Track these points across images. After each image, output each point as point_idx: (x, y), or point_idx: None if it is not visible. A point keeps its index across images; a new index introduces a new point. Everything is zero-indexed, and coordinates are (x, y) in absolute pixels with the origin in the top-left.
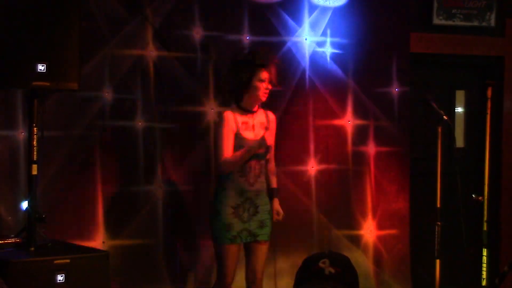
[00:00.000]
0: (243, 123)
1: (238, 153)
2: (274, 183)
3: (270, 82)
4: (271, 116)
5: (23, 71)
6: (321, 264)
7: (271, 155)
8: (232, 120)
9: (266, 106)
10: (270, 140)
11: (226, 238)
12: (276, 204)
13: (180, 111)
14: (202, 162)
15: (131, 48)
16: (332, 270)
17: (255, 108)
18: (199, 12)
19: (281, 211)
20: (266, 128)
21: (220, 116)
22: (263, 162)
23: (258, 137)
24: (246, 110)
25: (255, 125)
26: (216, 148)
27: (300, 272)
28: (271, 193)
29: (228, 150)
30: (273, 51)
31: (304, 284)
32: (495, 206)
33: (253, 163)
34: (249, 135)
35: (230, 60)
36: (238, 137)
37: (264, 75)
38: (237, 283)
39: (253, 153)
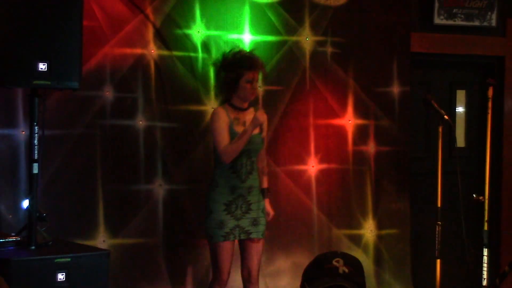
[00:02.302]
0: (235, 118)
1: (236, 138)
2: (265, 183)
3: (257, 81)
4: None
5: (24, 70)
6: (334, 263)
7: (262, 154)
8: (224, 114)
9: (267, 105)
10: (263, 139)
11: (219, 235)
12: (267, 204)
13: (181, 110)
14: (203, 161)
15: (132, 47)
16: (346, 270)
17: (245, 106)
18: (199, 11)
19: (271, 212)
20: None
21: (212, 113)
22: (254, 159)
23: None
24: (237, 108)
25: (246, 122)
26: (214, 141)
27: (311, 269)
28: (262, 193)
29: (225, 139)
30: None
31: (317, 280)
32: (496, 206)
33: (244, 159)
34: (241, 130)
35: (218, 61)
36: (231, 131)
37: (251, 75)
38: (235, 282)
39: (250, 133)
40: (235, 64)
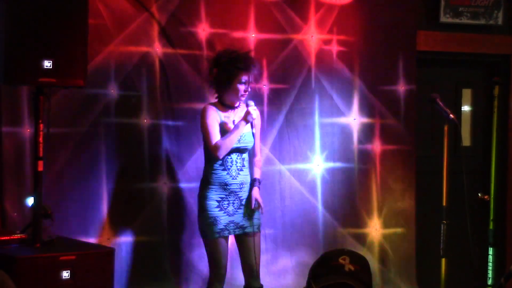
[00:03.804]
0: (225, 117)
1: (228, 134)
2: (256, 174)
3: (251, 82)
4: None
5: (29, 68)
6: (341, 261)
7: (256, 150)
8: (214, 112)
9: (273, 103)
10: (255, 135)
11: (213, 232)
12: (255, 192)
13: (186, 108)
14: None
15: (137, 45)
16: (352, 268)
17: (236, 104)
18: (205, 9)
19: (259, 199)
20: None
21: (202, 110)
22: (244, 156)
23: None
24: (227, 106)
25: (236, 120)
26: (205, 138)
27: (317, 267)
28: (251, 183)
29: (216, 134)
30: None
31: (322, 277)
32: (502, 205)
33: (234, 156)
34: (231, 128)
35: (213, 59)
36: (221, 129)
37: (244, 77)
38: (236, 280)
39: (242, 128)
40: (230, 64)
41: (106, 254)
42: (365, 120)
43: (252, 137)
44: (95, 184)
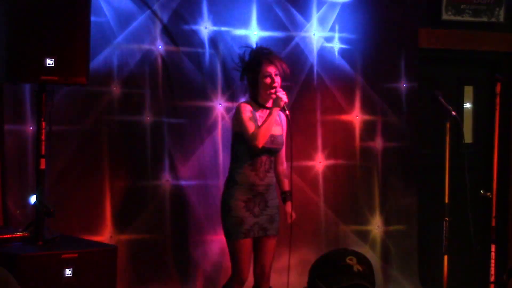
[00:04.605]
0: (259, 116)
1: (263, 121)
2: (286, 186)
3: (278, 74)
4: (283, 116)
5: (32, 66)
6: (348, 261)
7: (282, 156)
8: (250, 108)
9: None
10: (284, 139)
11: (240, 232)
12: (289, 207)
13: (188, 105)
14: (210, 157)
15: (140, 43)
16: (360, 268)
17: (270, 104)
18: (207, 7)
19: (294, 215)
20: (281, 126)
21: (236, 107)
22: (273, 158)
23: (273, 133)
24: (261, 105)
25: None
26: (243, 128)
27: (323, 266)
28: (284, 196)
29: (253, 125)
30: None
31: (332, 278)
32: (504, 201)
33: (264, 158)
34: None
35: (238, 65)
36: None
37: (268, 69)
38: None
39: (276, 114)
40: (252, 63)
41: (109, 252)
42: (367, 117)
43: (283, 139)
44: (97, 182)
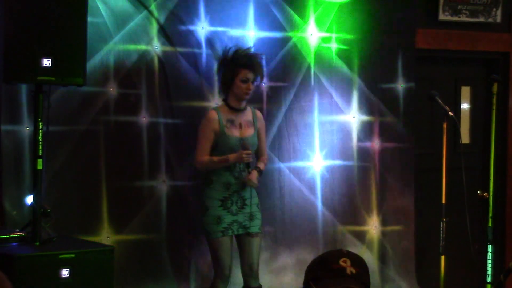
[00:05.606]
0: (228, 121)
1: (216, 159)
2: (259, 164)
3: (254, 81)
4: (259, 114)
5: (29, 66)
6: (342, 263)
7: (261, 151)
8: (215, 120)
9: (273, 101)
10: (261, 137)
11: (217, 231)
12: (253, 174)
13: (185, 106)
14: None
15: (136, 43)
16: (353, 270)
17: (242, 106)
18: (204, 7)
19: (255, 181)
20: (254, 127)
21: (205, 115)
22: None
23: (244, 135)
24: (232, 108)
25: (242, 123)
26: (196, 145)
27: (316, 268)
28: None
29: (204, 150)
30: (257, 53)
31: (324, 281)
32: (501, 202)
33: None
34: (235, 132)
35: (218, 59)
36: (222, 136)
37: (247, 75)
38: (235, 279)
39: (229, 163)
40: (233, 62)
41: (106, 253)
42: (364, 118)
43: (255, 140)
44: (94, 182)
